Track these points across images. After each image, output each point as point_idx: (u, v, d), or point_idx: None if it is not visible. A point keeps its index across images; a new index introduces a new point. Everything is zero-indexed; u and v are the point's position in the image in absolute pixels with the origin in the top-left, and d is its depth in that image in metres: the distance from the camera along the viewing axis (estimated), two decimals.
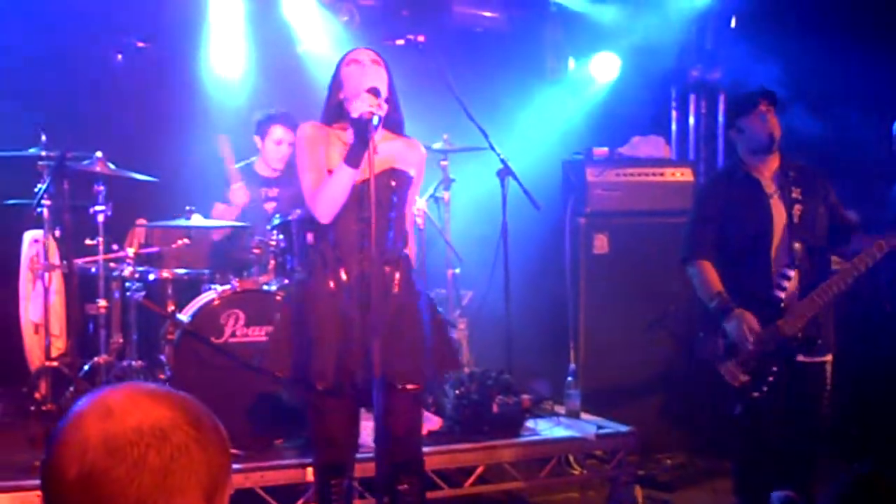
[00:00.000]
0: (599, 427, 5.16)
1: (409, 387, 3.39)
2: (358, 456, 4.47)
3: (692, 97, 7.60)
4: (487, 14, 7.03)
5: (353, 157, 3.32)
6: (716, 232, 4.34)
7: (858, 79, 6.03)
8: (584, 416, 5.38)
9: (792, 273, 4.13)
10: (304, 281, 3.53)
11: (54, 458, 1.32)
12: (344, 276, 3.39)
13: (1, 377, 5.82)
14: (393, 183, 3.43)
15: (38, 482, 3.64)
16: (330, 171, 3.39)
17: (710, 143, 7.57)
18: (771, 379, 4.09)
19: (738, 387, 4.11)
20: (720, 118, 7.51)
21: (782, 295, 4.13)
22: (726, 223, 4.31)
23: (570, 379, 5.48)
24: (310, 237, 3.85)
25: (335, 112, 3.51)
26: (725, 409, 4.19)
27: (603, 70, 7.21)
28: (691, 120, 7.58)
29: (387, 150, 3.42)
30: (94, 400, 1.35)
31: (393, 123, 3.50)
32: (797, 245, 4.13)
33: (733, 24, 7.31)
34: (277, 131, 5.71)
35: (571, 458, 5.20)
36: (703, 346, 4.24)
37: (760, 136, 4.22)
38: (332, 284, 3.40)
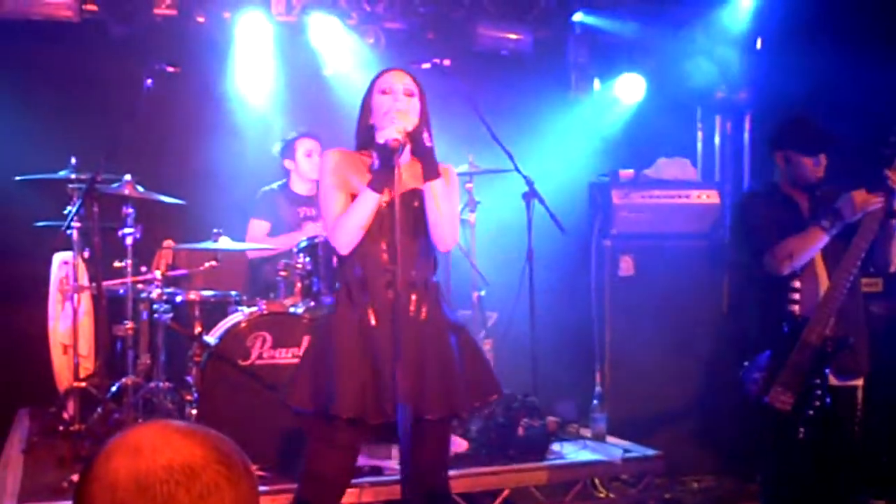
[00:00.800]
0: (626, 451, 5.14)
1: (436, 418, 3.28)
2: (384, 479, 4.56)
3: (718, 118, 7.60)
4: (512, 36, 7.04)
5: (378, 183, 3.26)
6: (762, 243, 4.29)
7: (886, 98, 6.01)
8: (610, 439, 5.36)
9: (798, 284, 4.11)
10: (329, 314, 3.46)
11: (85, 494, 1.33)
12: (370, 311, 3.28)
13: (30, 397, 5.89)
14: (416, 204, 3.33)
15: (65, 502, 3.67)
16: (354, 198, 3.32)
17: (735, 164, 7.55)
18: (819, 393, 4.04)
19: (791, 410, 4.06)
20: (746, 139, 7.50)
21: (796, 308, 4.11)
22: (774, 234, 4.27)
23: (595, 402, 5.47)
24: (335, 261, 3.79)
25: (365, 136, 3.44)
26: (789, 436, 4.10)
27: (628, 91, 7.21)
28: (717, 141, 7.58)
29: (412, 173, 3.34)
30: (124, 437, 1.36)
31: (423, 150, 3.33)
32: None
33: (759, 45, 7.30)
34: (305, 143, 5.80)
35: (597, 482, 5.17)
36: (746, 381, 4.20)
37: (808, 178, 4.20)
38: (356, 316, 3.30)
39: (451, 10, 6.87)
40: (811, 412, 4.01)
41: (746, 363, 4.18)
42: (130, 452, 1.32)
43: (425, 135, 3.35)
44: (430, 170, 3.31)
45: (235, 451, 1.40)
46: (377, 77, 3.48)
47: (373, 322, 3.28)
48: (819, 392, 4.01)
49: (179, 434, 1.37)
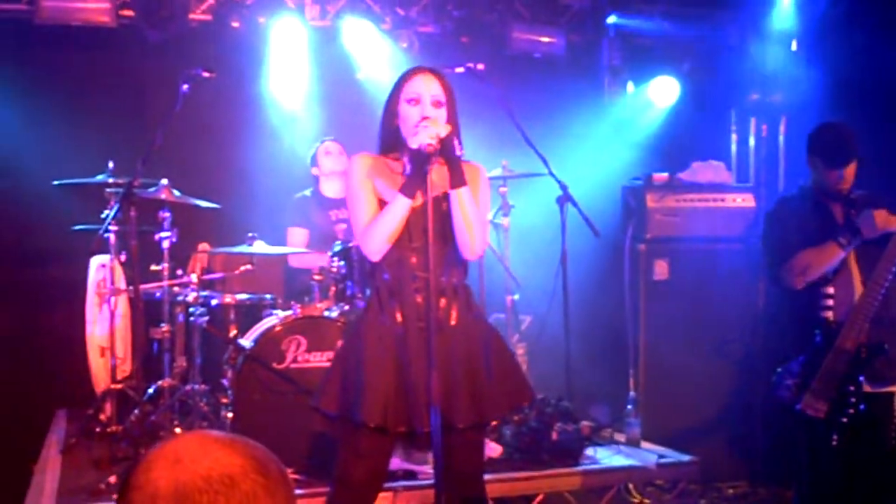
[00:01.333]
0: (660, 456, 5.12)
1: (465, 425, 3.23)
2: (418, 483, 4.56)
3: (752, 120, 7.55)
4: (545, 39, 7.04)
5: (410, 188, 3.21)
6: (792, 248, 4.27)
7: None
8: (644, 444, 5.34)
9: (831, 290, 4.07)
10: (359, 319, 3.41)
11: None
12: (399, 317, 3.25)
13: (67, 399, 5.96)
14: (445, 208, 3.25)
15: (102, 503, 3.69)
16: (381, 203, 3.27)
17: (770, 166, 7.50)
18: (853, 400, 4.00)
19: (824, 417, 4.03)
20: (781, 141, 7.44)
21: (829, 315, 4.07)
22: (794, 247, 4.25)
23: (629, 407, 5.45)
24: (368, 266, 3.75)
25: (391, 139, 3.35)
26: (823, 443, 4.07)
27: (662, 94, 7.17)
28: (751, 143, 7.53)
29: (441, 177, 3.27)
30: (163, 447, 1.38)
31: (451, 157, 3.26)
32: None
33: (794, 46, 7.24)
34: (325, 146, 5.87)
35: (632, 487, 5.15)
36: (779, 388, 4.16)
37: (831, 188, 4.17)
38: (385, 322, 3.26)
39: (485, 14, 6.88)
40: (845, 419, 3.97)
41: (779, 369, 4.15)
42: (170, 463, 1.34)
43: (455, 141, 3.29)
44: (457, 177, 3.25)
45: (273, 461, 1.41)
46: (403, 80, 3.33)
47: (401, 328, 3.25)
48: (853, 399, 3.97)
49: (218, 444, 1.38)
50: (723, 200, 6.24)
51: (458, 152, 3.29)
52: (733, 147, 7.53)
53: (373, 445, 3.27)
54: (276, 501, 1.37)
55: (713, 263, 6.05)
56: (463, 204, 3.26)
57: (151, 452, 1.37)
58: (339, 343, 4.79)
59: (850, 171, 4.15)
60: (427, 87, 3.28)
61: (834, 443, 3.98)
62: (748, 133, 7.53)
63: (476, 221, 3.30)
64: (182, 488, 1.32)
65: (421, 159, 3.17)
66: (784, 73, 7.23)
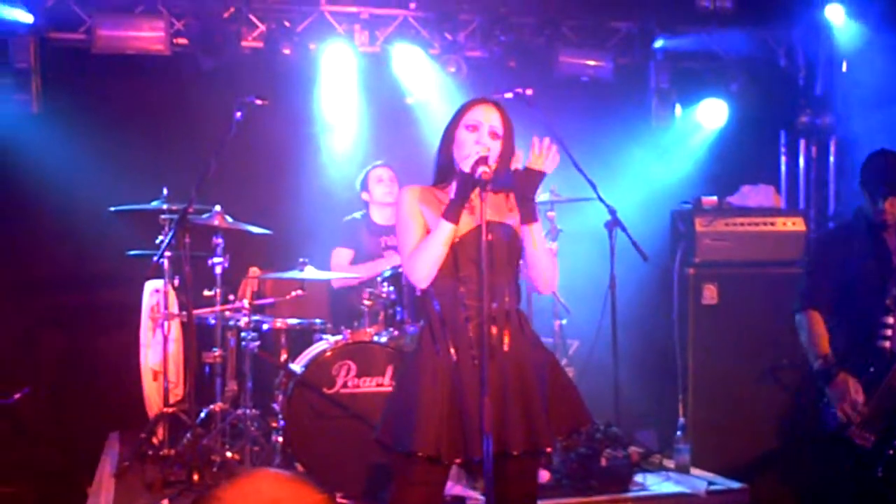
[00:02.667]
0: (710, 483, 5.08)
1: (519, 452, 3.20)
2: None
3: (802, 142, 7.50)
4: (593, 63, 7.05)
5: (452, 212, 3.20)
6: (833, 283, 4.24)
7: None
8: (694, 470, 5.30)
9: (890, 320, 4.01)
10: (415, 350, 3.39)
11: None
12: (451, 346, 3.25)
13: (120, 422, 6.05)
14: (490, 237, 3.19)
15: None
16: (429, 233, 3.26)
17: (820, 189, 7.45)
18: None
19: (871, 448, 3.99)
20: (831, 164, 7.39)
21: (887, 345, 4.02)
22: (845, 276, 4.21)
23: (679, 433, 5.41)
24: (419, 296, 3.76)
25: (446, 167, 3.35)
26: (867, 473, 4.03)
27: (710, 117, 7.16)
28: (801, 165, 7.48)
29: (493, 204, 3.25)
30: (241, 489, 1.42)
31: (502, 184, 3.27)
32: None
33: (844, 67, 7.20)
34: (376, 172, 5.89)
35: None
36: (826, 415, 4.12)
37: (877, 217, 4.15)
38: (438, 353, 3.26)
39: (532, 39, 6.92)
40: (892, 451, 3.92)
41: (826, 397, 4.11)
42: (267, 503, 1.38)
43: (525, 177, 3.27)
44: (529, 213, 3.27)
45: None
46: (465, 108, 3.33)
47: (454, 358, 3.25)
48: None
49: (298, 482, 1.43)
50: (773, 224, 6.19)
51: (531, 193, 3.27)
52: (783, 169, 7.50)
53: (426, 476, 3.25)
54: None
55: (763, 288, 5.99)
56: (535, 240, 3.29)
57: (228, 494, 1.41)
58: (390, 368, 4.85)
59: (892, 203, 4.10)
60: (487, 117, 3.29)
61: (879, 474, 3.93)
62: (798, 155, 7.49)
63: (549, 255, 3.35)
64: None
65: (467, 183, 3.17)
66: (834, 94, 7.19)
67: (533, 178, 3.25)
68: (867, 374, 3.98)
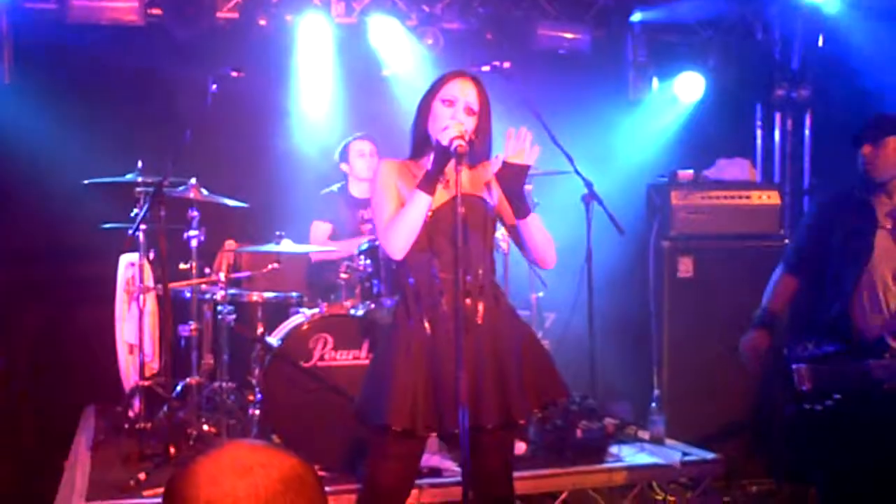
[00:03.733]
0: (684, 454, 5.12)
1: (492, 426, 3.24)
2: (443, 480, 4.60)
3: (778, 116, 7.53)
4: (570, 35, 7.03)
5: (427, 183, 3.20)
6: (816, 250, 4.23)
7: None
8: (668, 441, 5.35)
9: (864, 295, 3.98)
10: (391, 324, 3.41)
11: None
12: (425, 320, 3.26)
13: (97, 396, 6.03)
14: (464, 210, 3.17)
15: (132, 500, 3.74)
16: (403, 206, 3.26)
17: (795, 162, 7.48)
18: (829, 403, 3.94)
19: (800, 391, 3.99)
20: (807, 137, 7.43)
21: (858, 323, 3.99)
22: (828, 246, 4.18)
23: (653, 404, 5.46)
24: (394, 270, 3.74)
25: (421, 140, 3.35)
26: (781, 405, 4.07)
27: (687, 90, 7.16)
28: (777, 139, 7.51)
29: (468, 177, 3.29)
30: (217, 460, 1.41)
31: (514, 190, 3.27)
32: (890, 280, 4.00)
33: (821, 41, 7.22)
34: (357, 145, 5.83)
35: (656, 485, 5.16)
36: (793, 347, 4.11)
37: (861, 175, 4.10)
38: (412, 326, 3.27)
39: (510, 11, 6.89)
40: (820, 407, 3.93)
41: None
42: (242, 472, 1.39)
43: (515, 170, 3.25)
44: (522, 208, 3.29)
45: (308, 471, 1.48)
46: (441, 82, 3.33)
47: (427, 331, 3.26)
48: (838, 398, 3.91)
49: (271, 449, 1.45)
50: (748, 198, 6.23)
51: (521, 184, 3.27)
52: (758, 143, 7.53)
53: (401, 449, 3.28)
54: (324, 496, 1.48)
55: (738, 261, 6.04)
56: (533, 231, 3.34)
57: (206, 466, 1.41)
58: (367, 341, 4.85)
59: (877, 149, 4.02)
60: (463, 92, 3.29)
61: (786, 412, 3.98)
62: (774, 129, 7.53)
63: (548, 240, 3.40)
64: (265, 493, 1.38)
65: (443, 155, 3.16)
66: (810, 68, 7.21)
67: (517, 172, 3.23)
68: (834, 347, 3.97)
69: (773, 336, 4.22)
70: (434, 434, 3.32)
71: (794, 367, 4.01)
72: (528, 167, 3.24)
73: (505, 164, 3.23)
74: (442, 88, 3.31)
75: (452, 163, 3.15)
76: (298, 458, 1.45)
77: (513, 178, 3.24)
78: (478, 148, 3.29)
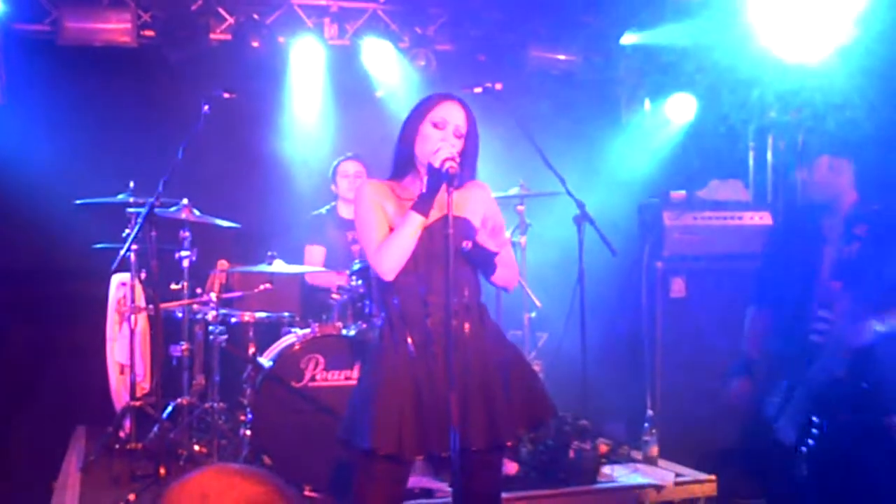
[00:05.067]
0: (678, 475, 5.11)
1: (480, 448, 3.22)
2: (435, 502, 4.57)
3: (770, 137, 7.55)
4: (563, 57, 7.07)
5: (422, 205, 3.19)
6: (776, 276, 4.22)
7: None
8: (661, 462, 5.33)
9: (822, 313, 3.94)
10: (374, 347, 3.39)
11: None
12: (410, 342, 3.25)
13: (87, 416, 6.00)
14: (450, 232, 3.14)
15: None
16: (392, 229, 3.25)
17: (788, 184, 7.49)
18: (815, 431, 3.92)
19: (790, 445, 3.97)
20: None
21: (818, 339, 3.96)
22: (784, 270, 4.13)
23: (646, 425, 5.44)
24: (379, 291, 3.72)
25: (405, 160, 3.32)
26: (793, 470, 4.03)
27: (679, 111, 7.19)
28: (769, 159, 7.52)
29: (443, 199, 3.22)
30: (185, 484, 1.40)
31: (464, 179, 3.30)
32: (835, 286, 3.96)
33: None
34: (343, 167, 5.88)
35: None
36: (768, 404, 4.13)
37: (804, 199, 4.10)
38: (397, 348, 3.26)
39: (502, 33, 6.92)
40: (804, 448, 3.87)
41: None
42: (198, 499, 1.37)
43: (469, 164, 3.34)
44: (492, 265, 3.32)
45: (286, 485, 1.45)
46: (430, 104, 3.30)
47: (413, 353, 3.24)
48: (816, 430, 3.85)
49: (239, 476, 1.41)
50: (740, 218, 6.24)
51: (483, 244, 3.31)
52: (751, 164, 7.54)
53: (387, 472, 3.24)
54: None
55: (731, 281, 6.02)
56: (500, 274, 3.36)
57: (173, 491, 1.40)
58: (358, 362, 4.84)
59: (814, 174, 3.98)
60: (452, 116, 3.28)
61: (804, 472, 3.90)
62: (766, 150, 7.54)
63: (511, 271, 3.43)
64: None
65: (436, 177, 3.15)
66: (802, 89, 7.23)
67: (485, 254, 3.27)
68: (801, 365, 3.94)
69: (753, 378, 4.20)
70: (419, 457, 3.29)
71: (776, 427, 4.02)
72: (496, 253, 3.27)
73: (475, 244, 3.25)
74: (431, 111, 3.29)
75: (444, 185, 3.15)
76: (271, 487, 1.41)
77: (480, 257, 3.28)
78: (465, 170, 3.28)
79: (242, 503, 1.37)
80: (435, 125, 3.27)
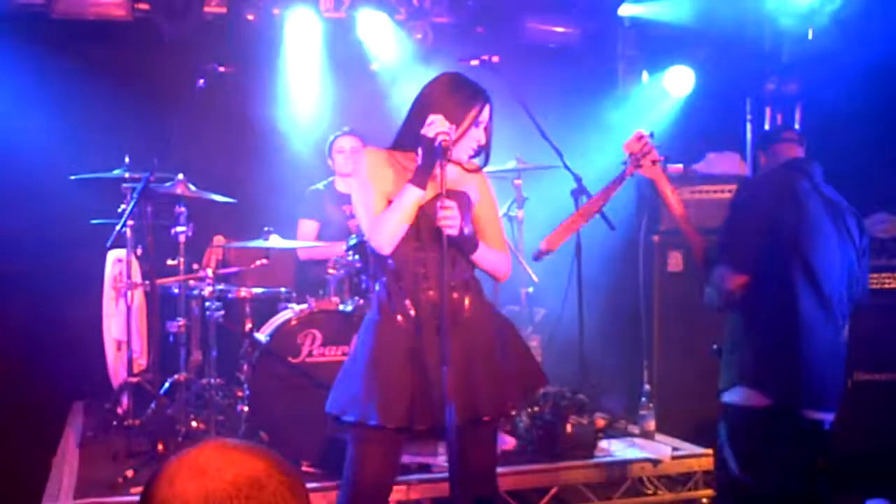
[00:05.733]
0: (674, 448, 5.13)
1: (489, 418, 3.27)
2: (431, 476, 4.59)
3: (767, 110, 7.52)
4: (560, 29, 7.03)
5: (420, 178, 3.18)
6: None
7: None
8: (658, 436, 5.35)
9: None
10: (369, 319, 3.38)
11: None
12: (412, 311, 3.25)
13: (85, 392, 6.01)
14: (443, 205, 3.13)
15: (120, 498, 3.72)
16: (390, 202, 3.24)
17: None
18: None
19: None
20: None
21: None
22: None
23: (643, 399, 5.45)
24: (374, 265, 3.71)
25: (408, 139, 3.30)
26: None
27: (677, 84, 7.14)
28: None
29: (452, 172, 3.27)
30: (183, 459, 1.39)
31: (462, 238, 3.26)
32: None
33: (810, 35, 7.20)
34: (339, 142, 5.82)
35: (646, 479, 5.16)
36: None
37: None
38: (394, 320, 3.26)
39: (499, 5, 6.87)
40: None
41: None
42: (195, 474, 1.36)
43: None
44: (471, 247, 3.32)
45: (287, 460, 1.44)
46: (480, 104, 3.30)
47: (414, 326, 3.24)
48: None
49: (238, 451, 1.40)
50: None
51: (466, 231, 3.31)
52: (748, 137, 7.51)
53: (383, 445, 3.26)
54: (298, 498, 1.40)
55: None
56: (483, 259, 3.36)
57: (171, 465, 1.39)
58: (355, 337, 4.82)
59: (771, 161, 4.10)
60: (486, 117, 3.35)
61: None
62: (763, 123, 7.50)
63: (499, 259, 3.43)
64: (212, 497, 1.34)
65: (431, 149, 3.14)
66: (800, 62, 7.19)
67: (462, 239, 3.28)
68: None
69: None
70: (421, 427, 3.29)
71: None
72: (473, 239, 3.34)
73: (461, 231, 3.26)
74: (481, 113, 3.30)
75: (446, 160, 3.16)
76: (270, 462, 1.40)
77: (459, 240, 3.26)
78: (484, 159, 3.43)
79: (241, 479, 1.36)
80: (477, 125, 3.31)
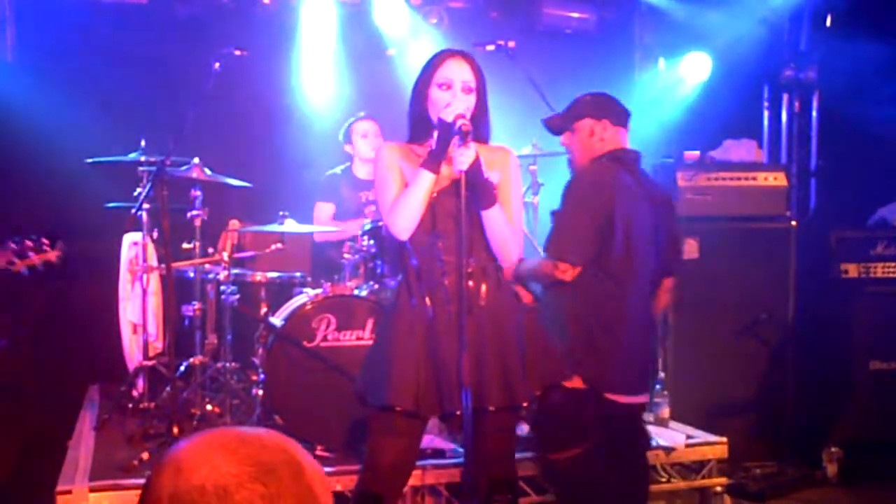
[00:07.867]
0: (688, 436, 5.11)
1: (495, 408, 3.24)
2: (446, 462, 4.59)
3: (785, 97, 7.47)
4: (577, 15, 6.99)
5: (432, 162, 3.17)
6: None
7: None
8: (672, 424, 5.33)
9: None
10: (391, 305, 3.40)
11: None
12: (428, 301, 3.24)
13: (101, 376, 6.03)
14: (463, 192, 3.12)
15: (136, 481, 3.73)
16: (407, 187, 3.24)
17: (803, 144, 7.42)
18: None
19: None
20: (814, 118, 7.37)
21: None
22: None
23: (658, 387, 5.43)
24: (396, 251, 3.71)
25: (420, 123, 3.30)
26: None
27: (694, 70, 7.11)
28: (784, 119, 7.45)
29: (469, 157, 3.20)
30: (176, 452, 1.37)
31: (480, 179, 3.21)
32: None
33: (829, 21, 7.15)
34: (361, 125, 5.82)
35: (659, 467, 5.15)
36: None
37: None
38: (414, 307, 3.26)
39: None
40: None
41: None
42: (174, 471, 1.34)
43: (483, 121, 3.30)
44: (487, 197, 3.23)
45: (284, 464, 1.36)
46: (436, 64, 3.26)
47: (430, 312, 3.25)
48: None
49: (221, 451, 1.34)
50: (754, 179, 6.18)
51: (484, 175, 3.23)
52: (765, 124, 7.47)
53: (402, 429, 3.27)
54: (303, 487, 1.34)
55: (744, 242, 6.00)
56: (495, 222, 3.26)
57: (168, 456, 1.37)
58: (370, 321, 4.84)
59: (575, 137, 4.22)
60: (459, 73, 3.24)
61: None
62: (781, 110, 7.46)
63: (510, 234, 3.30)
64: (178, 498, 1.30)
65: (446, 133, 3.13)
66: (818, 48, 7.15)
67: (484, 182, 3.21)
68: None
69: None
70: (435, 414, 3.30)
71: None
72: (492, 184, 3.25)
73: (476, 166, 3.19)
74: (436, 72, 3.25)
75: (456, 141, 3.13)
76: (251, 469, 1.35)
77: (478, 181, 3.19)
78: (479, 126, 3.26)
79: (209, 484, 1.30)
80: (441, 86, 3.23)
